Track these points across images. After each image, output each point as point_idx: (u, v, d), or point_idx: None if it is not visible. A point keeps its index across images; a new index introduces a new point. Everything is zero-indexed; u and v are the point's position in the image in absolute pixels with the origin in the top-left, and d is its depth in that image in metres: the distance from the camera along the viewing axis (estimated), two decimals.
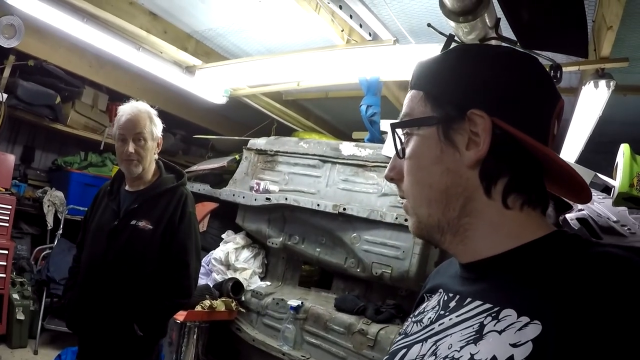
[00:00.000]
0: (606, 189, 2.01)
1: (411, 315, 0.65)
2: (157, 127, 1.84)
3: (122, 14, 2.65)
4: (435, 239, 0.58)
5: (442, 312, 0.57)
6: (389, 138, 2.53)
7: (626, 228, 1.89)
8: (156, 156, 1.88)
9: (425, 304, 0.64)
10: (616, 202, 1.74)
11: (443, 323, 0.54)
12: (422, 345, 0.55)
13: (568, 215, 2.02)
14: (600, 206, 2.00)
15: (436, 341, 0.53)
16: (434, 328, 0.55)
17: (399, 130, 0.60)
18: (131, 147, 1.73)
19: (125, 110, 1.80)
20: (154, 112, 1.85)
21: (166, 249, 1.73)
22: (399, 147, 0.60)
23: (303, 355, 2.36)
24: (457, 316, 0.53)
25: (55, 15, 2.57)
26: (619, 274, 0.43)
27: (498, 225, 0.54)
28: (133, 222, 1.72)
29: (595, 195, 2.02)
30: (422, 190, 0.57)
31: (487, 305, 0.50)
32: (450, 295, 0.58)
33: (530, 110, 0.54)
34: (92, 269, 1.72)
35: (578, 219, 2.00)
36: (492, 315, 0.48)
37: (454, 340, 0.50)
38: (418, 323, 0.60)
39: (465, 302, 0.53)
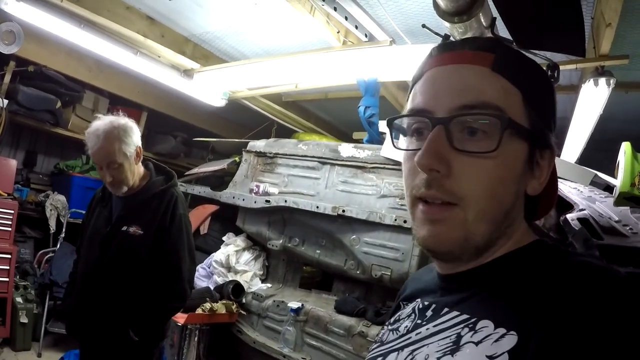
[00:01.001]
0: (608, 188, 1.99)
1: (387, 323, 0.64)
2: (131, 141, 1.70)
3: (120, 19, 2.66)
4: (455, 257, 0.52)
5: (418, 322, 0.56)
6: (387, 139, 2.51)
7: (628, 228, 1.85)
8: (141, 158, 1.80)
9: (400, 311, 0.64)
10: (617, 202, 1.71)
11: (420, 332, 0.54)
12: (398, 354, 0.55)
13: (569, 215, 1.99)
14: (601, 206, 1.97)
15: (412, 350, 0.52)
16: (410, 337, 0.55)
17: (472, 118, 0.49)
18: (108, 177, 1.68)
19: (91, 137, 1.66)
20: (123, 125, 1.69)
21: (158, 253, 1.71)
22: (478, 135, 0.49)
23: (303, 357, 2.36)
24: (434, 326, 0.52)
25: (51, 22, 2.58)
26: (595, 285, 0.43)
27: None
28: (124, 228, 1.71)
29: (597, 194, 1.99)
30: (492, 204, 0.50)
31: (465, 316, 0.49)
32: (426, 304, 0.58)
33: None
34: (88, 276, 1.73)
35: (579, 219, 1.97)
36: (469, 326, 0.48)
37: (430, 350, 0.50)
38: (394, 331, 0.60)
39: (443, 312, 0.53)
